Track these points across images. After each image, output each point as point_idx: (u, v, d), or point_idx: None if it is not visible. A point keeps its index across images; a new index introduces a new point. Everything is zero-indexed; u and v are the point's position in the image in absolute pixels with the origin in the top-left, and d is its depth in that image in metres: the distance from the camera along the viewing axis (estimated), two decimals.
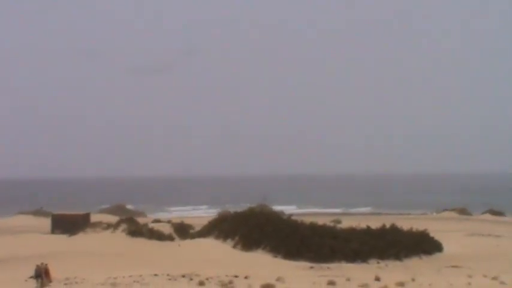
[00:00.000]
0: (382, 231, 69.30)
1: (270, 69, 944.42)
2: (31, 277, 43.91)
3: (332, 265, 58.71)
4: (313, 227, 68.56)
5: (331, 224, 78.16)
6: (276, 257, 63.11)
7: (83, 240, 74.42)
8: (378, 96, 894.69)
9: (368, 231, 69.51)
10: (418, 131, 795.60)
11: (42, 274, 42.43)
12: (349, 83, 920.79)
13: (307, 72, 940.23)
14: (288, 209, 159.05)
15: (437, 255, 65.82)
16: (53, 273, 43.53)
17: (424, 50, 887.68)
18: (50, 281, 42.79)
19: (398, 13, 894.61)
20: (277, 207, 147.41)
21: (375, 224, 74.08)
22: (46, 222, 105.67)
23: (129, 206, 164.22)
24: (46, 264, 43.54)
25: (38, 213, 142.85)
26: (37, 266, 42.96)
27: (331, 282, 38.47)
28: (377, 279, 41.13)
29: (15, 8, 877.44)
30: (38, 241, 78.21)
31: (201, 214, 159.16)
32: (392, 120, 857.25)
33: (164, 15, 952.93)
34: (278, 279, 39.66)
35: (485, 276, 44.44)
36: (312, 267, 56.93)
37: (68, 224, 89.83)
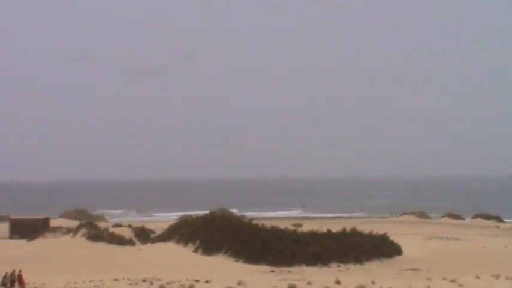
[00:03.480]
0: (343, 235, 69.74)
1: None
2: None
3: (293, 269, 58.97)
4: (274, 230, 68.68)
5: (292, 228, 78.40)
6: (237, 261, 63.14)
7: (42, 245, 73.65)
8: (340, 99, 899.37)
9: (329, 234, 69.88)
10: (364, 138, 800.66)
11: (7, 283, 41.78)
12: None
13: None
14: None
15: (397, 258, 66.51)
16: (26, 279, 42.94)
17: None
18: (23, 287, 42.10)
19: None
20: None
21: (335, 227, 74.50)
22: (3, 227, 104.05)
23: (98, 211, 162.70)
24: (20, 271, 42.84)
25: None
26: (6, 273, 42.30)
27: (292, 286, 38.64)
28: (337, 282, 41.40)
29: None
30: None
31: (165, 219, 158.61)
32: (345, 126, 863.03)
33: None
34: (239, 283, 39.70)
35: (444, 278, 45.04)
36: (273, 271, 57.11)
37: (27, 229, 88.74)
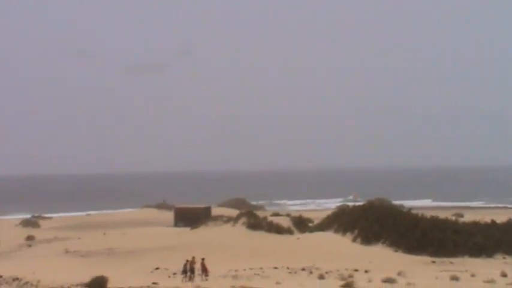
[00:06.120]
0: (509, 225, 66.69)
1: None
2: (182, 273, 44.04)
3: (455, 260, 57.19)
4: (434, 220, 66.98)
5: (453, 218, 76.00)
6: (396, 251, 62.20)
7: (204, 232, 76.14)
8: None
9: (493, 225, 67.09)
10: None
11: (188, 270, 42.96)
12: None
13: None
14: (423, 203, 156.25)
15: None
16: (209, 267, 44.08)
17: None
18: (207, 275, 43.20)
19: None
20: (410, 202, 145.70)
21: (499, 218, 71.53)
22: (169, 215, 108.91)
23: (252, 202, 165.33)
24: (203, 259, 43.89)
25: (161, 206, 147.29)
26: (187, 261, 43.49)
27: (454, 278, 37.45)
28: (503, 275, 39.65)
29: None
30: (162, 233, 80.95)
31: (315, 207, 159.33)
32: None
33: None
34: (399, 274, 39.05)
35: None
36: (433, 262, 55.72)
37: (190, 217, 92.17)
